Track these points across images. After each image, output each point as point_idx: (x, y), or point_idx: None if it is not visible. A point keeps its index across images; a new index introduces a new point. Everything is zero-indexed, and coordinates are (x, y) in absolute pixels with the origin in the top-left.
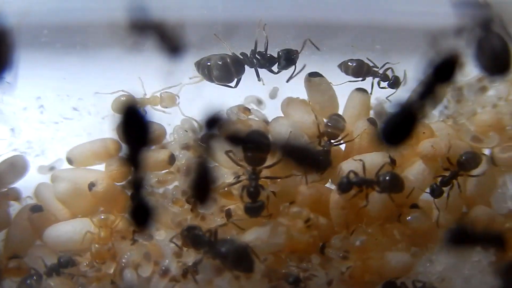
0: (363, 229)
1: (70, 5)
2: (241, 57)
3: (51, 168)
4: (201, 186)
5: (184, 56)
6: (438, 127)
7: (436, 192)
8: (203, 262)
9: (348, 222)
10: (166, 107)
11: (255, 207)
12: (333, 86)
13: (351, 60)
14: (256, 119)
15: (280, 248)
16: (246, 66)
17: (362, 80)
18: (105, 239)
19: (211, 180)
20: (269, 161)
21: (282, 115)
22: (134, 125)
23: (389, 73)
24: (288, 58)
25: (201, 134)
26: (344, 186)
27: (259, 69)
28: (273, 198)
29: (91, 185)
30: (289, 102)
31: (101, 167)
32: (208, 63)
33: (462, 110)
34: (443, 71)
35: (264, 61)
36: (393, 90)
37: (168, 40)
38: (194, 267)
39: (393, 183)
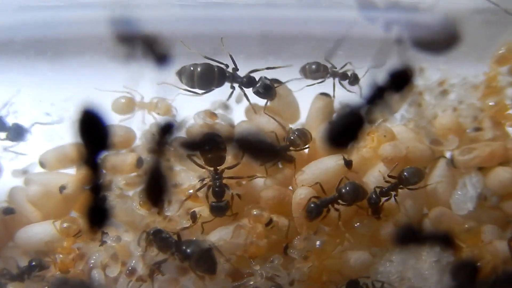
0: (324, 231)
1: (43, 15)
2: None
3: (24, 171)
4: (153, 189)
5: (171, 65)
6: (399, 130)
7: (372, 201)
8: (167, 262)
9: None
10: (159, 114)
11: (220, 207)
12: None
13: (308, 64)
14: (223, 123)
15: (242, 249)
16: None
17: (321, 82)
18: (68, 249)
19: (163, 184)
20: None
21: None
22: (91, 130)
23: (348, 72)
24: (266, 88)
25: (156, 141)
26: (315, 213)
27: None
28: (237, 199)
29: (62, 188)
30: (253, 108)
31: (72, 170)
32: (192, 68)
33: (423, 114)
34: (395, 80)
35: (243, 81)
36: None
37: (155, 50)
38: (157, 266)
39: (354, 194)
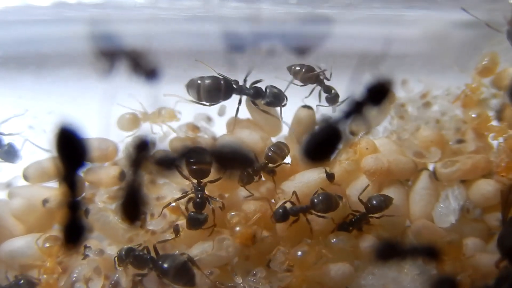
0: (306, 242)
1: (25, 30)
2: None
3: (8, 184)
4: (128, 206)
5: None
6: (381, 142)
7: (340, 228)
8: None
9: (292, 236)
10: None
11: (198, 218)
12: None
13: (301, 65)
14: (206, 136)
15: (226, 261)
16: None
17: (302, 85)
18: (52, 269)
19: (139, 200)
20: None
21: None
22: (67, 147)
23: (332, 89)
24: (276, 96)
25: (132, 157)
26: (279, 216)
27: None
28: (219, 212)
29: (45, 202)
30: (235, 121)
31: (56, 184)
32: (199, 82)
33: (406, 126)
34: (373, 94)
35: (251, 92)
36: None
37: (143, 65)
38: (140, 279)
39: (327, 204)
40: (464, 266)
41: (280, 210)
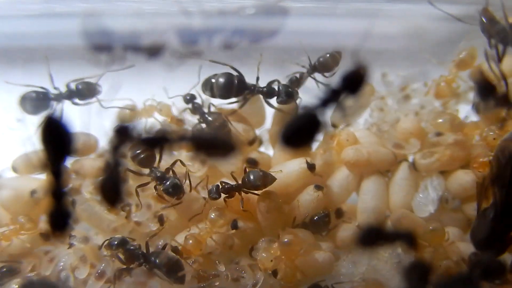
0: (289, 231)
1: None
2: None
3: None
4: (109, 188)
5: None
6: (361, 134)
7: (211, 195)
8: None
9: (273, 225)
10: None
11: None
12: None
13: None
14: (190, 128)
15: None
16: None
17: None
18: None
19: (118, 183)
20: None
21: None
22: (53, 137)
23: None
24: (289, 94)
25: (111, 145)
26: (213, 194)
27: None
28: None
29: (33, 192)
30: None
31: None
32: (213, 80)
33: (385, 118)
34: (349, 82)
35: (264, 91)
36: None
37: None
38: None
39: (258, 181)
40: (446, 253)
41: (214, 188)
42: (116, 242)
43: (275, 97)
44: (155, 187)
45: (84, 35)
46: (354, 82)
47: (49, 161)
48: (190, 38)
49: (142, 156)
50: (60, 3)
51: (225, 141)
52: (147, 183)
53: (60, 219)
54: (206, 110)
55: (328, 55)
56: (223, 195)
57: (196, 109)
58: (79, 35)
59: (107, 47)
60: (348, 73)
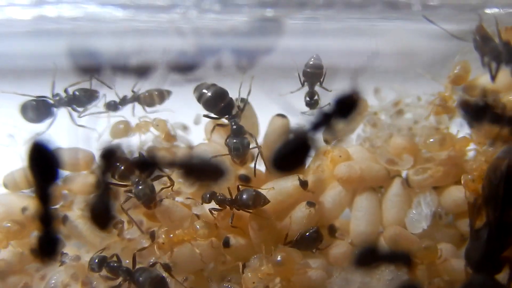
0: (281, 248)
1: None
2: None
3: None
4: (98, 213)
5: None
6: (354, 150)
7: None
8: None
9: (266, 243)
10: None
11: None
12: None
13: None
14: (182, 145)
15: (200, 267)
16: None
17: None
18: None
19: (108, 207)
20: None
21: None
22: (38, 162)
23: None
24: None
25: (100, 166)
26: (205, 198)
27: None
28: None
29: (24, 209)
30: (213, 128)
31: None
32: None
33: (378, 134)
34: (341, 107)
35: None
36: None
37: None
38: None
39: (249, 200)
40: (438, 271)
41: (208, 195)
42: (96, 262)
43: None
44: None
45: (71, 56)
46: (347, 107)
47: (35, 185)
48: (182, 60)
49: (122, 168)
50: (50, 22)
51: (215, 166)
52: (129, 198)
53: (48, 244)
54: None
55: None
56: (211, 205)
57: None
58: (66, 57)
59: (95, 69)
60: (341, 97)
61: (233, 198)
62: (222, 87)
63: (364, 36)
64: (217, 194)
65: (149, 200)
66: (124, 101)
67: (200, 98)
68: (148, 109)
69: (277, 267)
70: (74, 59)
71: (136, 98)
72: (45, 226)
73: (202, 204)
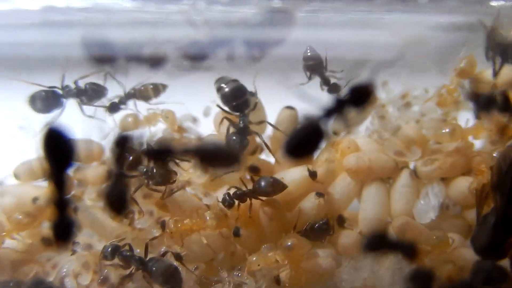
0: (292, 235)
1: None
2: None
3: (0, 183)
4: (114, 199)
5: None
6: (363, 142)
7: (225, 202)
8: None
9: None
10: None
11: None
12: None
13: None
14: (192, 136)
15: (211, 257)
16: None
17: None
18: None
19: (123, 193)
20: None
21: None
22: (54, 148)
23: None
24: None
25: (114, 154)
26: (227, 202)
27: None
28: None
29: (35, 200)
30: (221, 120)
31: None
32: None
33: (387, 126)
34: (356, 95)
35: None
36: None
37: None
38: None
39: (269, 187)
40: (447, 259)
41: (226, 196)
42: (109, 250)
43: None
44: (147, 185)
45: (85, 47)
46: (361, 96)
47: (51, 171)
48: (194, 49)
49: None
50: (59, 13)
51: (228, 152)
52: (140, 186)
53: (63, 229)
54: None
55: None
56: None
57: None
58: (80, 47)
59: (109, 59)
60: (357, 86)
61: (252, 187)
62: (243, 84)
63: (371, 28)
64: (235, 191)
65: (167, 180)
66: (123, 100)
67: (218, 90)
68: (156, 100)
69: (287, 251)
70: (88, 49)
71: (131, 94)
72: (60, 211)
73: (227, 205)
